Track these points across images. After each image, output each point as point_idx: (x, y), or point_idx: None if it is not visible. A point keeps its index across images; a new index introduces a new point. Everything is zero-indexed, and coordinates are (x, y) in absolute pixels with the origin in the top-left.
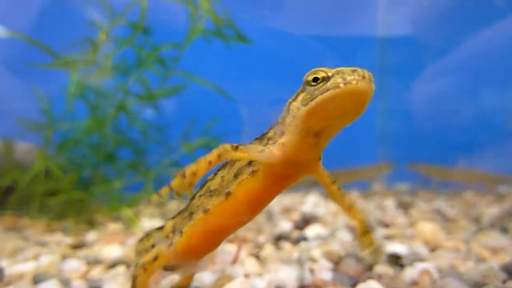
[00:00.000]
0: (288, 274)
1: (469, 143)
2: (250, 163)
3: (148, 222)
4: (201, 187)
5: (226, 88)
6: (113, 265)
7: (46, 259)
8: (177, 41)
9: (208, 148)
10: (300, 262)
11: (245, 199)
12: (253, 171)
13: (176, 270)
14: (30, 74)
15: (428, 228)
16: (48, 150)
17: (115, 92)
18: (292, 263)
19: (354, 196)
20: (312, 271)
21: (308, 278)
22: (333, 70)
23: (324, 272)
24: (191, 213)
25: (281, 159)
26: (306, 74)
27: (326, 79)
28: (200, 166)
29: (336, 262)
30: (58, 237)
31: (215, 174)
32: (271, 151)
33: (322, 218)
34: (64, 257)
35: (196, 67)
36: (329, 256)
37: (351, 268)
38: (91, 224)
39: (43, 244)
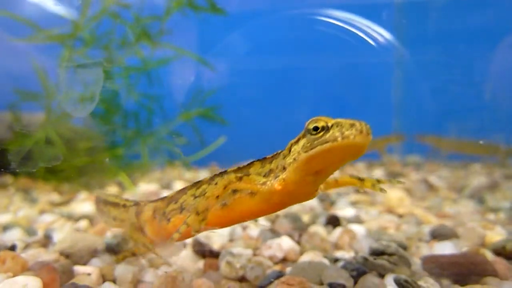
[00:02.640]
0: (222, 230)
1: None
2: None
3: (145, 187)
4: (196, 186)
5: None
6: (78, 219)
7: (23, 213)
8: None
9: (204, 118)
10: None
11: (240, 213)
12: (252, 193)
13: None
14: None
15: (395, 196)
16: (51, 119)
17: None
18: None
19: (359, 166)
20: (244, 228)
21: (238, 234)
22: (333, 121)
23: (254, 229)
24: (182, 208)
25: (280, 192)
26: (308, 122)
27: (326, 129)
28: (209, 201)
29: (273, 221)
30: (53, 196)
31: (212, 179)
32: (273, 185)
33: None
34: (42, 212)
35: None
36: (267, 216)
37: (282, 226)
38: (88, 187)
39: (33, 201)
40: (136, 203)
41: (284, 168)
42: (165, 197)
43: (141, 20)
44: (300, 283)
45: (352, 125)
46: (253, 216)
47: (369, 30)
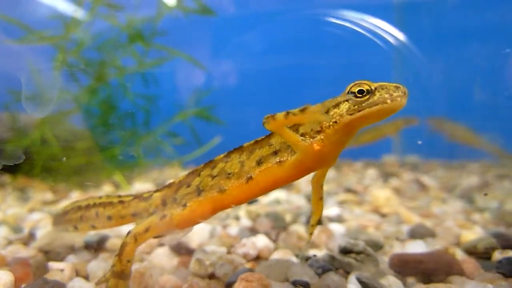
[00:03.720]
0: (202, 228)
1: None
2: (276, 153)
3: (140, 186)
4: (210, 166)
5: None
6: None
7: (12, 211)
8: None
9: (200, 117)
10: (223, 219)
11: (266, 185)
12: (280, 161)
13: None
14: None
15: (383, 196)
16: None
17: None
18: (216, 220)
19: (357, 166)
20: (224, 227)
21: (218, 232)
22: (376, 84)
23: (233, 228)
24: (201, 190)
25: (317, 153)
26: (350, 86)
27: (371, 92)
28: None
29: (254, 220)
30: (47, 195)
31: (228, 157)
32: (312, 143)
33: (295, 184)
34: (31, 210)
35: None
36: (249, 215)
37: (262, 225)
38: (83, 186)
39: (26, 200)
40: (136, 196)
41: (319, 131)
42: (172, 183)
43: (134, 22)
44: (259, 279)
45: (397, 88)
46: (279, 185)
47: (368, 26)
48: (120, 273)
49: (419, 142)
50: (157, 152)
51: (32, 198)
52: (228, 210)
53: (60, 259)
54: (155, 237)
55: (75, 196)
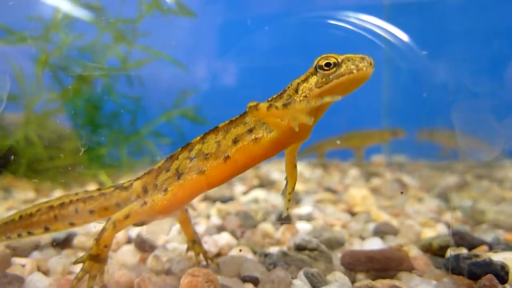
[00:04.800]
0: (170, 226)
1: None
2: (251, 130)
3: None
4: (188, 149)
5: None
6: None
7: None
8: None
9: (185, 118)
10: (193, 218)
11: (244, 162)
12: (256, 138)
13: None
14: None
15: (358, 194)
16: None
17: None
18: None
19: (344, 166)
20: (193, 225)
21: None
22: (342, 57)
23: (202, 226)
24: (180, 174)
25: (292, 129)
26: (317, 59)
27: (337, 64)
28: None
29: (224, 218)
30: (29, 194)
31: (204, 138)
32: (287, 121)
33: (277, 183)
34: (9, 209)
35: None
36: (219, 213)
37: (231, 223)
38: (66, 185)
39: (6, 199)
40: (117, 186)
41: None
42: (151, 170)
43: (115, 23)
44: (206, 274)
45: (363, 58)
46: (256, 162)
47: (364, 25)
48: (96, 257)
49: (338, 142)
50: (143, 152)
51: (14, 197)
52: (201, 209)
53: (25, 255)
54: (135, 225)
55: (56, 195)
